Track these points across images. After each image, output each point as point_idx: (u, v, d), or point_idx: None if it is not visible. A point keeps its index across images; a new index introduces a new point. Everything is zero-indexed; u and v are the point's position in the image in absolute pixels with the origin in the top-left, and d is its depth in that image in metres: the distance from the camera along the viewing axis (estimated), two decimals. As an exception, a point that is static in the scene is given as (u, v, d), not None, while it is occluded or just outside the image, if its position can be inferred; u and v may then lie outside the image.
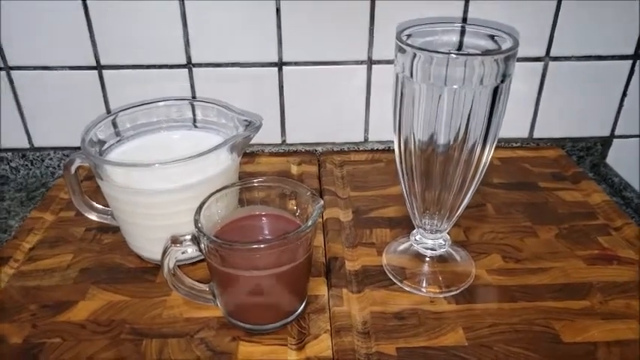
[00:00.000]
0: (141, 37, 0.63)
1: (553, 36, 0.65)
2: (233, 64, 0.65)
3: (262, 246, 0.41)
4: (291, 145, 0.71)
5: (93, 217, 0.53)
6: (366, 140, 0.71)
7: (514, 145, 0.72)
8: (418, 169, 0.45)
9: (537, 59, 0.66)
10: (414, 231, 0.52)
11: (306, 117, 0.68)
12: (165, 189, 0.47)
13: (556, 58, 0.66)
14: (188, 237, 0.43)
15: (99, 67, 0.65)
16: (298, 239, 0.41)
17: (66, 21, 0.62)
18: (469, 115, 0.41)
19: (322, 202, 0.44)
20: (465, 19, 0.63)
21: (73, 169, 0.50)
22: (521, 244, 0.54)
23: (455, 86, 0.40)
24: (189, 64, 0.65)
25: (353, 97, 0.67)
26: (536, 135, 0.71)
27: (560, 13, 0.63)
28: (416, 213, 0.49)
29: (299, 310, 0.46)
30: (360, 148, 0.71)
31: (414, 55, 0.40)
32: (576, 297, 0.47)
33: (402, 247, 0.53)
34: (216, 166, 0.48)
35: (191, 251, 0.43)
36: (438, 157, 0.44)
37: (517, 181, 0.64)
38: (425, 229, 0.50)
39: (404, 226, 0.56)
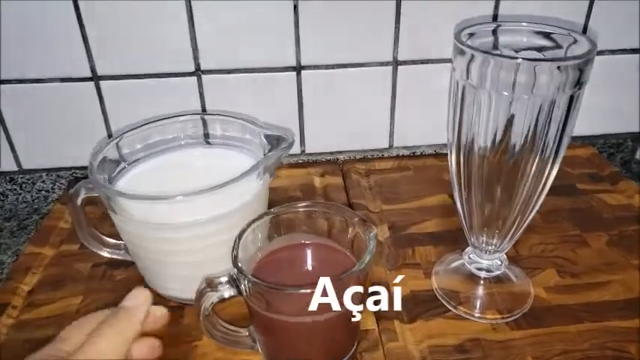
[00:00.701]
0: (142, 42, 0.56)
1: (586, 30, 0.61)
2: (246, 70, 0.59)
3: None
4: (311, 154, 0.66)
5: (104, 253, 0.47)
6: (391, 146, 0.66)
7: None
8: (478, 180, 0.41)
9: (568, 54, 0.62)
10: (468, 249, 0.47)
11: (326, 123, 0.63)
12: (191, 222, 0.41)
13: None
14: (224, 279, 0.37)
15: (95, 78, 0.58)
16: (358, 277, 0.36)
17: (57, 28, 0.55)
18: (539, 124, 0.36)
19: (375, 230, 0.39)
20: (495, 17, 0.59)
21: (79, 200, 0.44)
22: (574, 255, 0.50)
23: (526, 96, 0.35)
24: (197, 72, 0.59)
25: (376, 101, 0.63)
26: (566, 133, 0.68)
27: (593, 6, 0.60)
28: (473, 230, 0.44)
29: (352, 351, 0.41)
30: (385, 155, 0.66)
31: (481, 60, 0.35)
32: (645, 314, 0.44)
33: (451, 266, 0.49)
34: (247, 192, 0.43)
35: (229, 295, 0.37)
36: (504, 166, 0.39)
37: (555, 184, 0.60)
38: (481, 250, 0.45)
39: (447, 242, 0.52)
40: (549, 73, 0.34)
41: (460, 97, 0.38)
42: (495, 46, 0.40)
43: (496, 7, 0.58)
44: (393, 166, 0.65)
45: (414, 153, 0.66)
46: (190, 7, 0.55)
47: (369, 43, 0.59)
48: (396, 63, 0.60)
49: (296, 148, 0.65)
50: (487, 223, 0.43)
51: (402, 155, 0.66)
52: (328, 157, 0.66)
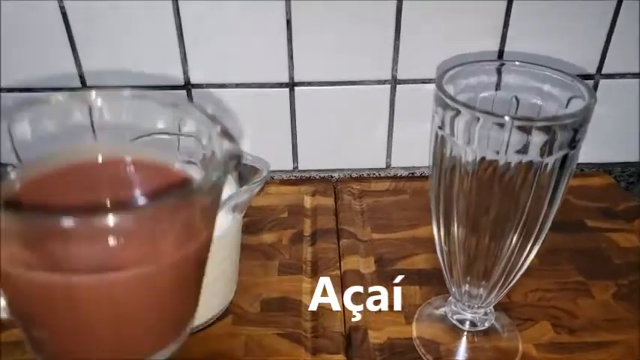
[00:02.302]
0: (131, 53, 0.54)
1: (606, 53, 0.56)
2: (237, 85, 0.56)
3: (119, 216, 0.19)
4: (304, 171, 0.62)
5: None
6: (388, 166, 0.62)
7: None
8: (462, 212, 0.37)
9: (588, 77, 0.57)
10: (451, 298, 0.44)
11: (320, 140, 0.60)
12: None
13: (609, 76, 0.57)
14: None
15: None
16: (188, 205, 0.22)
17: (43, 38, 0.53)
18: (528, 187, 0.33)
19: (238, 150, 0.24)
20: (500, 53, 0.54)
21: None
22: (574, 307, 0.46)
23: (514, 156, 0.31)
24: (187, 85, 0.56)
25: (374, 119, 0.59)
26: (581, 159, 0.63)
27: (615, 29, 0.54)
28: (454, 279, 0.41)
29: (184, 335, 0.27)
30: (382, 175, 0.63)
31: (460, 113, 0.31)
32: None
33: (435, 314, 0.45)
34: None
35: None
36: (488, 229, 0.35)
37: (561, 220, 0.55)
38: (463, 303, 0.42)
39: (435, 282, 0.48)
40: (541, 134, 0.30)
41: (439, 148, 0.34)
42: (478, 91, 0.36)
43: (502, 41, 0.54)
44: (389, 187, 0.61)
45: (412, 174, 0.63)
46: (179, 20, 0.52)
47: (367, 61, 0.55)
48: (395, 82, 0.56)
49: (288, 165, 0.62)
50: (471, 273, 0.39)
51: (400, 176, 0.63)
52: (322, 175, 0.63)
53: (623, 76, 0.57)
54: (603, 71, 0.57)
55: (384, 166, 0.62)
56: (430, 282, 0.48)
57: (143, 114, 0.28)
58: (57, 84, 0.55)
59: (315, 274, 0.49)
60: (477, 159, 0.32)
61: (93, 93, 0.28)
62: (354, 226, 0.55)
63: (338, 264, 0.50)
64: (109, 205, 0.23)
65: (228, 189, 0.43)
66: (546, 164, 0.31)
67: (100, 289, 0.22)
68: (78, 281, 0.21)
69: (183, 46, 0.54)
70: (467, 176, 0.33)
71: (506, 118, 0.30)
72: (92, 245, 0.20)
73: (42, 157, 0.27)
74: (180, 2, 0.51)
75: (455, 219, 0.36)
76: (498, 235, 0.36)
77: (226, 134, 0.24)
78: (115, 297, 0.22)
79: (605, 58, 0.56)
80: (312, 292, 0.47)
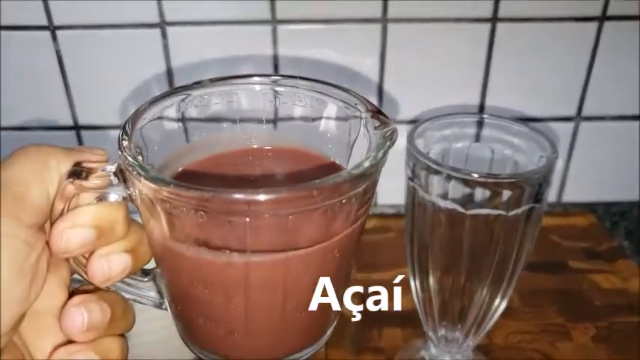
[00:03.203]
0: (124, 89, 0.56)
1: (585, 95, 0.57)
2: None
3: (287, 194, 0.20)
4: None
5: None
6: (375, 204, 0.64)
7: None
8: (435, 279, 0.38)
9: (567, 119, 0.59)
10: (428, 343, 0.44)
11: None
12: None
13: (588, 118, 0.59)
14: (111, 167, 0.23)
15: (77, 128, 0.58)
16: (353, 188, 0.22)
17: (36, 75, 0.55)
18: (497, 237, 0.34)
19: (394, 127, 0.25)
20: (481, 107, 0.56)
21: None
22: (552, 350, 0.47)
23: (482, 209, 0.32)
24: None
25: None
26: (565, 199, 0.64)
27: (593, 70, 0.56)
28: (430, 323, 0.41)
29: (330, 330, 0.29)
30: (370, 213, 0.64)
31: (430, 168, 0.33)
32: None
33: (415, 357, 0.46)
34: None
35: (114, 197, 0.23)
36: (462, 273, 0.36)
37: (544, 260, 0.57)
38: (440, 349, 0.43)
39: (417, 323, 0.49)
40: (506, 190, 0.31)
41: (411, 199, 0.35)
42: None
43: (483, 95, 0.56)
44: (375, 225, 0.62)
45: (399, 212, 0.64)
46: (167, 52, 0.54)
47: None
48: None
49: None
50: (446, 312, 0.40)
51: (387, 214, 0.64)
52: (311, 214, 0.64)
53: (602, 118, 0.59)
54: (583, 114, 0.59)
55: (370, 204, 0.63)
56: (411, 323, 0.49)
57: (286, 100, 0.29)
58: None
59: (299, 316, 0.50)
60: (446, 210, 0.33)
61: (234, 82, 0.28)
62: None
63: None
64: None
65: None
66: (513, 217, 0.33)
67: (275, 268, 0.22)
68: (256, 261, 0.22)
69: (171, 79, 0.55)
70: (438, 225, 0.34)
71: (475, 175, 0.31)
72: (272, 223, 0.21)
73: (183, 149, 0.28)
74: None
75: (429, 264, 0.37)
76: (471, 278, 0.37)
77: (377, 112, 0.25)
78: (288, 277, 0.23)
79: (584, 102, 0.58)
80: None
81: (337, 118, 0.27)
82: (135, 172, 0.21)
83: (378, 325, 0.49)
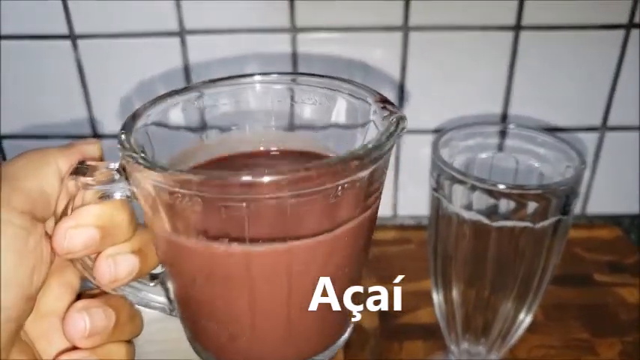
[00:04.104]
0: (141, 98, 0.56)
1: (611, 106, 0.56)
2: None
3: (284, 176, 0.20)
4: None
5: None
6: (395, 215, 0.63)
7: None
8: (459, 290, 0.37)
9: (592, 129, 0.58)
10: (450, 357, 0.44)
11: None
12: None
13: (613, 128, 0.58)
14: (113, 165, 0.23)
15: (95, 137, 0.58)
16: (362, 166, 0.21)
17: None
18: (520, 252, 0.33)
19: (402, 115, 0.23)
20: (504, 116, 0.55)
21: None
22: (578, 365, 0.46)
23: (507, 221, 0.32)
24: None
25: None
26: (590, 210, 0.63)
27: (619, 79, 0.55)
28: (453, 337, 0.41)
29: (345, 337, 0.27)
30: (389, 224, 0.63)
31: (454, 178, 0.32)
32: None
33: (436, 371, 0.45)
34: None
35: (120, 194, 0.23)
36: (486, 286, 0.36)
37: (569, 273, 0.56)
38: (464, 361, 0.42)
39: (438, 336, 0.48)
40: (533, 201, 0.31)
41: (435, 210, 0.35)
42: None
43: (506, 104, 0.55)
44: (395, 237, 0.61)
45: (419, 223, 0.63)
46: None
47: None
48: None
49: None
50: (469, 326, 0.39)
51: (407, 225, 0.63)
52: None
53: (627, 128, 0.58)
54: (608, 124, 0.57)
55: (390, 215, 0.63)
56: (433, 336, 0.48)
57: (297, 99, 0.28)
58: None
59: (317, 327, 0.49)
60: (471, 222, 0.33)
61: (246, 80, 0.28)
62: (358, 276, 0.55)
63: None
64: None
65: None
66: (540, 229, 0.32)
67: (276, 259, 0.21)
68: (257, 250, 0.21)
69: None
70: (462, 237, 0.34)
71: (501, 186, 0.31)
72: (271, 209, 0.20)
73: (190, 149, 0.27)
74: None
75: (452, 276, 0.37)
76: (496, 292, 0.36)
77: (386, 101, 0.24)
78: (291, 269, 0.22)
79: (609, 112, 0.57)
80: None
81: (348, 113, 0.27)
82: (133, 162, 0.21)
83: (398, 338, 0.49)
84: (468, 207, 0.32)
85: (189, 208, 0.20)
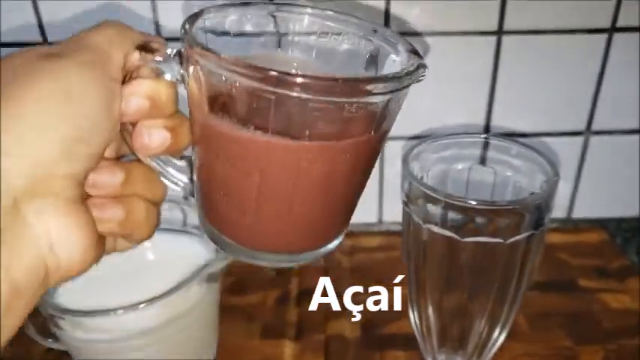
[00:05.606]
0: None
1: (595, 108, 0.56)
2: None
3: (313, 80, 0.22)
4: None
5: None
6: (380, 221, 0.62)
7: (550, 226, 0.62)
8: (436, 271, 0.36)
9: (576, 133, 0.57)
10: (430, 367, 0.43)
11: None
12: (104, 339, 0.39)
13: (598, 132, 0.57)
14: (172, 50, 0.26)
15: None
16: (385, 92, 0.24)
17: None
18: (493, 267, 0.32)
19: (423, 63, 0.26)
20: (487, 127, 0.55)
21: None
22: (560, 374, 0.46)
23: (476, 239, 0.31)
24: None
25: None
26: (576, 215, 0.62)
27: (602, 83, 0.55)
28: (428, 350, 0.40)
29: (334, 243, 0.30)
30: (375, 230, 0.63)
31: (423, 194, 0.32)
32: None
33: (416, 382, 0.45)
34: (184, 302, 0.40)
35: (170, 75, 0.26)
36: (460, 300, 0.35)
37: (553, 280, 0.55)
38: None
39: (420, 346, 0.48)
40: (504, 217, 0.30)
41: (407, 221, 0.34)
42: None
43: (489, 108, 0.55)
44: (380, 243, 0.61)
45: (405, 230, 0.63)
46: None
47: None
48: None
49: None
50: (445, 340, 0.39)
51: (392, 232, 0.63)
52: (314, 231, 0.63)
53: (612, 132, 0.57)
54: (592, 128, 0.57)
55: (375, 220, 0.62)
56: (414, 346, 0.48)
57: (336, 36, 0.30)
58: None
59: (298, 339, 0.49)
60: (442, 237, 0.32)
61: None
62: (342, 285, 0.55)
63: (323, 328, 0.50)
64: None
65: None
66: (512, 244, 0.31)
67: (290, 152, 0.24)
68: (274, 141, 0.24)
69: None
70: (434, 253, 0.33)
71: (472, 202, 0.30)
72: (295, 106, 0.23)
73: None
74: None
75: (427, 291, 0.36)
76: (470, 304, 0.35)
77: (415, 52, 0.27)
78: (299, 164, 0.25)
79: (593, 116, 0.56)
80: (294, 358, 0.47)
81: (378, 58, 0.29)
82: (193, 44, 0.24)
83: (380, 348, 0.48)
84: (439, 223, 0.31)
85: (229, 92, 0.24)
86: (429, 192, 0.31)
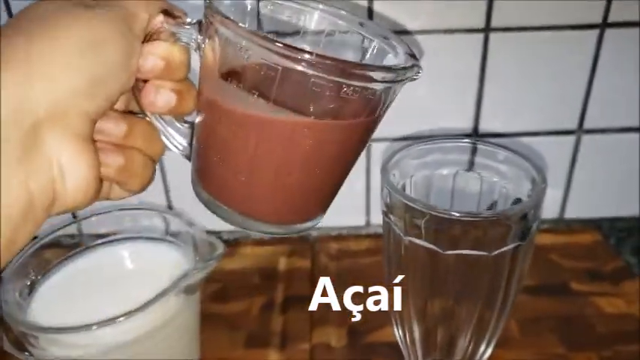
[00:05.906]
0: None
1: (586, 107, 0.54)
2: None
3: (320, 58, 0.24)
4: (281, 230, 0.61)
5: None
6: (367, 224, 0.61)
7: (542, 227, 0.61)
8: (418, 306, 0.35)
9: (568, 132, 0.56)
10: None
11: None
12: (80, 355, 0.37)
13: (590, 131, 0.56)
14: (192, 20, 0.28)
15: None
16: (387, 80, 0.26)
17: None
18: (477, 281, 0.31)
19: (417, 64, 0.27)
20: (475, 130, 0.53)
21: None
22: (552, 382, 0.44)
23: (459, 251, 0.30)
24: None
25: (350, 177, 0.58)
26: (568, 215, 0.61)
27: (594, 81, 0.53)
28: (412, 358, 0.39)
29: (317, 220, 0.31)
30: (364, 233, 0.61)
31: (403, 204, 0.30)
32: None
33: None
34: (162, 313, 0.39)
35: (185, 39, 0.28)
36: (444, 314, 0.34)
37: (545, 283, 0.54)
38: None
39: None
40: (490, 227, 0.29)
41: (387, 236, 0.33)
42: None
43: (477, 114, 0.53)
44: (368, 246, 0.60)
45: (393, 233, 0.61)
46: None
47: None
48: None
49: (265, 225, 0.60)
50: (430, 347, 0.37)
51: (380, 234, 0.61)
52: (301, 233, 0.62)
53: (604, 131, 0.56)
54: (584, 127, 0.56)
55: (363, 223, 0.61)
56: (399, 356, 0.47)
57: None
58: None
59: (283, 347, 0.47)
60: (423, 249, 0.31)
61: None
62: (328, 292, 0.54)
63: (308, 336, 0.49)
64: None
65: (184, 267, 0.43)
66: (497, 257, 0.30)
67: (284, 123, 0.26)
68: (272, 110, 0.25)
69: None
70: (415, 265, 0.32)
71: (454, 213, 0.29)
72: (297, 81, 0.25)
73: None
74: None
75: (410, 304, 0.35)
76: (454, 318, 0.34)
77: (412, 55, 0.28)
78: (292, 135, 0.26)
79: (585, 114, 0.55)
80: (278, 368, 0.46)
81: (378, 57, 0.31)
82: (215, 13, 0.25)
83: (367, 356, 0.47)
84: (421, 235, 0.30)
85: (241, 59, 0.25)
86: (409, 203, 0.29)
